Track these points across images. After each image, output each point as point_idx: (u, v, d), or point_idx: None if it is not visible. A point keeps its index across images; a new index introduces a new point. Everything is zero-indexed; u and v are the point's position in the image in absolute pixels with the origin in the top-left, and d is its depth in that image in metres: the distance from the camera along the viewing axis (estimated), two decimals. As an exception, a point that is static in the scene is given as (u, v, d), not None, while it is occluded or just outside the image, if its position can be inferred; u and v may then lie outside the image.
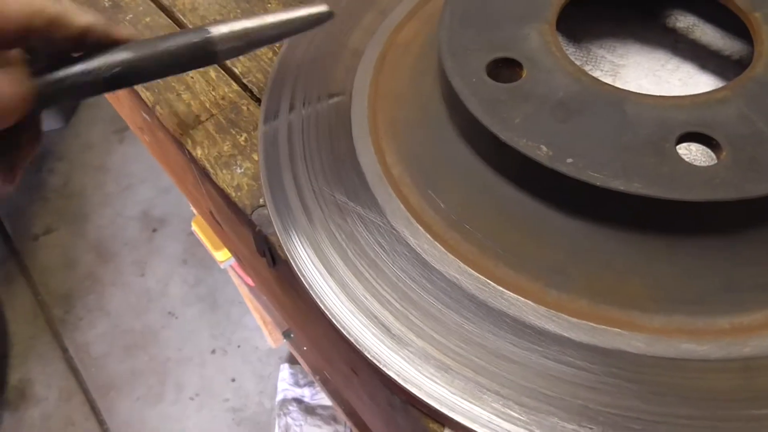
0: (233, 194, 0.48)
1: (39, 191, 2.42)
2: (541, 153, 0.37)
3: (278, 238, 0.44)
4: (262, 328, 1.88)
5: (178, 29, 0.61)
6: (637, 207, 0.36)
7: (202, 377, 1.96)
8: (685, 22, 0.54)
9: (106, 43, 0.38)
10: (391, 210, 0.43)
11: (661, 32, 0.53)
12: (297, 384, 1.83)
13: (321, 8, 0.46)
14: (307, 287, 0.40)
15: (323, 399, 1.75)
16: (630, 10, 0.54)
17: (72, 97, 0.37)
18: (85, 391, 1.95)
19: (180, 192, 2.24)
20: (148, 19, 0.61)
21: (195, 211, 1.36)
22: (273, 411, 1.82)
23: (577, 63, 0.50)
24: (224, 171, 0.49)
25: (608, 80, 0.51)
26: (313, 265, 0.41)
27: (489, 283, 0.38)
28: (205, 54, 0.42)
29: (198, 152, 0.50)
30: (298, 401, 1.79)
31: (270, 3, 0.61)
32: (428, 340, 0.37)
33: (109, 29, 0.38)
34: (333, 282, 0.40)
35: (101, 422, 1.88)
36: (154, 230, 2.31)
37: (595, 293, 0.37)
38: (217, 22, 0.43)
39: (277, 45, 0.57)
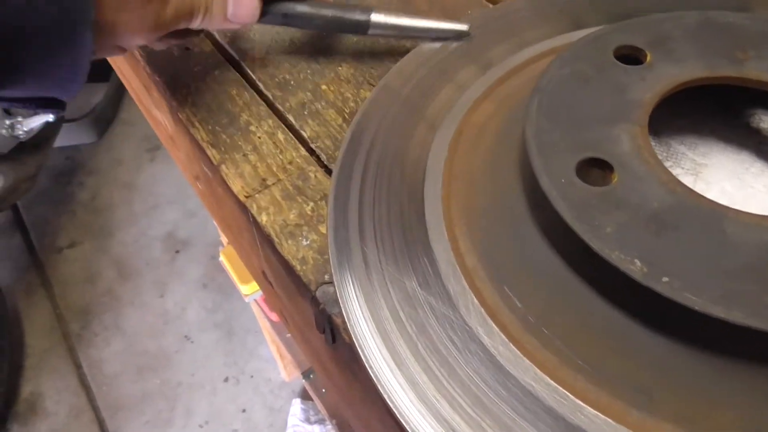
0: (298, 267, 0.46)
1: (67, 204, 2.43)
2: (635, 268, 0.36)
3: (343, 320, 0.42)
4: (277, 361, 1.86)
5: (246, 84, 0.60)
6: (735, 335, 0.34)
7: (213, 405, 1.94)
8: (769, 123, 0.52)
9: None
10: (465, 304, 0.41)
11: (744, 132, 0.52)
12: (308, 420, 1.81)
13: (461, 26, 0.59)
14: (375, 380, 0.39)
15: (333, 439, 1.73)
16: (711, 106, 0.53)
17: (270, 22, 0.57)
18: (95, 410, 1.94)
19: (206, 216, 2.23)
20: (216, 72, 0.61)
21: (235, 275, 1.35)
22: (282, 446, 1.80)
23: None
24: (289, 242, 0.48)
25: (689, 179, 0.49)
26: (382, 356, 0.40)
27: (568, 396, 0.37)
28: (359, 28, 0.58)
29: (263, 218, 0.49)
30: (308, 438, 1.77)
31: (341, 66, 0.61)
32: (503, 454, 0.36)
33: None
34: (402, 378, 0.39)
35: (108, 443, 1.87)
36: (177, 252, 2.31)
37: (682, 419, 0.35)
38: (377, 9, 0.58)
39: (347, 112, 0.56)
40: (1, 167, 1.86)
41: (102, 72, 2.40)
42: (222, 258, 1.48)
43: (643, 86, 0.45)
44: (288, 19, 0.56)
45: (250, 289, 1.40)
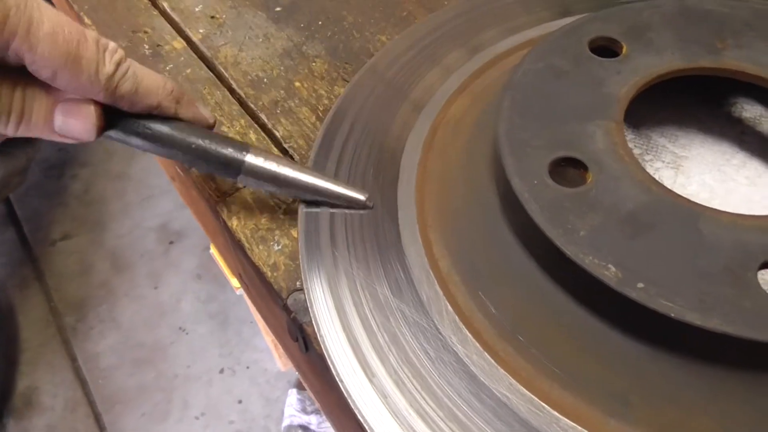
0: (269, 274, 0.45)
1: (60, 197, 2.41)
2: (609, 274, 0.34)
3: (314, 329, 0.41)
4: (272, 351, 1.86)
5: (219, 83, 0.58)
6: (712, 341, 0.33)
7: (209, 397, 1.94)
8: (752, 112, 0.51)
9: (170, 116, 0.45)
10: (438, 311, 0.40)
11: (725, 122, 0.51)
12: (304, 411, 1.80)
13: (359, 195, 0.46)
14: (345, 393, 0.38)
15: (329, 428, 1.72)
16: (692, 95, 0.52)
17: (118, 139, 0.44)
18: (91, 403, 1.94)
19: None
20: (188, 71, 0.59)
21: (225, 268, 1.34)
22: (278, 436, 1.80)
23: (637, 152, 0.48)
24: (260, 246, 0.46)
25: (670, 173, 0.48)
26: (352, 368, 0.39)
27: (543, 407, 0.36)
28: (228, 170, 0.45)
29: (233, 223, 0.48)
30: (305, 428, 1.77)
31: (315, 62, 0.59)
32: (476, 469, 0.34)
33: (175, 110, 0.44)
34: (373, 391, 0.37)
35: (105, 436, 1.86)
36: (171, 243, 2.29)
37: (659, 427, 0.34)
38: (258, 150, 0.45)
39: (321, 109, 0.55)
40: (-11, 161, 1.84)
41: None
42: (212, 250, 1.47)
43: (619, 80, 0.43)
44: (141, 141, 0.44)
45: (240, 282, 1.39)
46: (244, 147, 0.45)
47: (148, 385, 1.96)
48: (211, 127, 0.47)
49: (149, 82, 0.42)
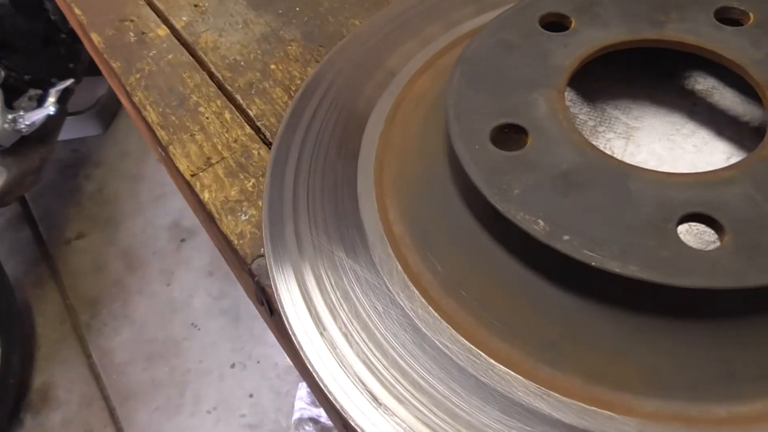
0: (236, 241, 0.48)
1: (74, 196, 2.46)
2: (538, 228, 0.37)
3: (273, 291, 0.43)
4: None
5: (199, 67, 0.61)
6: (633, 289, 0.35)
7: (221, 391, 1.96)
8: (704, 84, 0.53)
9: None
10: (389, 270, 0.42)
11: (678, 95, 0.52)
12: (314, 403, 1.82)
13: None
14: (297, 346, 0.40)
15: (339, 421, 1.74)
16: (647, 70, 0.54)
17: None
18: (106, 398, 1.97)
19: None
20: (170, 56, 0.62)
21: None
22: (289, 429, 1.81)
23: (591, 124, 0.50)
24: (229, 217, 0.49)
25: (621, 143, 0.50)
26: (304, 323, 0.41)
27: (481, 355, 0.38)
28: None
29: (206, 195, 0.51)
30: (315, 421, 1.78)
31: (290, 45, 0.62)
32: (414, 412, 0.37)
33: None
34: (323, 343, 0.40)
35: (119, 430, 1.90)
36: (183, 240, 2.33)
37: (588, 372, 0.36)
38: None
39: (293, 89, 0.57)
40: (4, 161, 1.88)
41: (103, 65, 2.40)
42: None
43: (565, 52, 0.45)
44: None
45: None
46: None
47: (161, 380, 1.99)
48: None
49: None
